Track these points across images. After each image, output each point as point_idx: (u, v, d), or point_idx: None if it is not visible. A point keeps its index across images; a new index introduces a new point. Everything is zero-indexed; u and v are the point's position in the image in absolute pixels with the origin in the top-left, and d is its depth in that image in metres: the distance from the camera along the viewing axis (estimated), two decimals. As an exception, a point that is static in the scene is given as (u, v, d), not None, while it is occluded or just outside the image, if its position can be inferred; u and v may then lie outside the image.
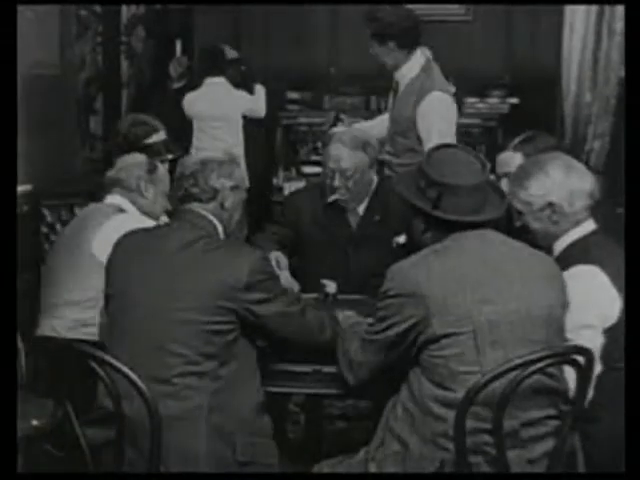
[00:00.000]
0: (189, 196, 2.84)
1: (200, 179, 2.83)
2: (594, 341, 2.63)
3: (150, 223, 3.35)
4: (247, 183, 6.53)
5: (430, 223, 2.65)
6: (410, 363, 2.56)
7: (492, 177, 3.26)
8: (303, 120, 7.36)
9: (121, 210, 3.47)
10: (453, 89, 5.10)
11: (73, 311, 3.33)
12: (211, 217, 2.83)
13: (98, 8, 6.55)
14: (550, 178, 2.84)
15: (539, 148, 3.33)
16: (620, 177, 3.08)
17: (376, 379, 2.68)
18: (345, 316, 3.02)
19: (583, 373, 2.46)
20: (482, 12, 7.27)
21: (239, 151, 6.47)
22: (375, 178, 3.84)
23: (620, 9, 5.50)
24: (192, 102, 6.48)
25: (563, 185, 2.83)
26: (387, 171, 4.44)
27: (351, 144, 3.70)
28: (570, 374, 2.53)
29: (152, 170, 3.57)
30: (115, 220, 3.38)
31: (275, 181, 7.15)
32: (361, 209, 3.84)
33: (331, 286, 3.57)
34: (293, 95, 7.47)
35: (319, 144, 7.19)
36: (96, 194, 3.66)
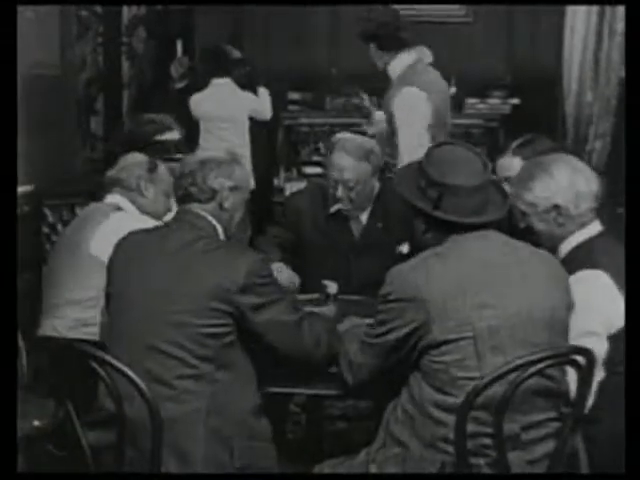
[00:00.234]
0: (188, 196, 2.82)
1: (198, 179, 2.81)
2: (598, 348, 2.60)
3: (150, 222, 3.33)
4: (252, 184, 6.60)
5: (430, 224, 2.63)
6: (410, 367, 2.54)
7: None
8: (304, 120, 7.34)
9: (120, 209, 3.48)
10: (452, 90, 5.13)
11: (74, 311, 3.34)
12: (210, 218, 2.81)
13: (99, 8, 6.55)
14: (555, 180, 2.82)
15: (537, 151, 3.32)
16: (621, 177, 3.07)
17: (376, 381, 2.68)
18: (351, 322, 3.01)
19: (583, 374, 2.45)
20: (483, 13, 7.27)
21: (245, 152, 6.47)
22: (377, 185, 3.81)
23: (621, 9, 5.50)
24: (198, 103, 6.47)
25: (569, 187, 2.82)
26: (388, 173, 4.43)
27: (355, 154, 3.67)
28: (571, 376, 2.53)
29: (152, 169, 3.56)
30: (113, 219, 3.39)
31: (276, 182, 7.14)
32: (364, 217, 3.82)
33: (332, 287, 3.56)
34: (294, 95, 7.46)
35: (320, 144, 7.18)
36: (97, 194, 3.66)
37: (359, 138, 3.84)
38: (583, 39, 5.89)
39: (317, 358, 2.79)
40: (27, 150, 4.60)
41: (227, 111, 6.41)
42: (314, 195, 3.91)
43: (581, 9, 5.88)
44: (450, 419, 2.41)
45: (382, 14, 4.61)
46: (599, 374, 2.65)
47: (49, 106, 5.33)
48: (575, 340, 2.58)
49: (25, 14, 4.73)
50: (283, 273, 3.57)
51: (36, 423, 2.99)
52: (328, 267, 3.71)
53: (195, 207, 2.82)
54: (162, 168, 3.61)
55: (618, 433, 2.47)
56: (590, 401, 2.61)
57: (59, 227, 4.53)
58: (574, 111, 6.00)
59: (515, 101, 7.18)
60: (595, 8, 5.79)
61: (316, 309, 3.13)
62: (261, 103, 6.61)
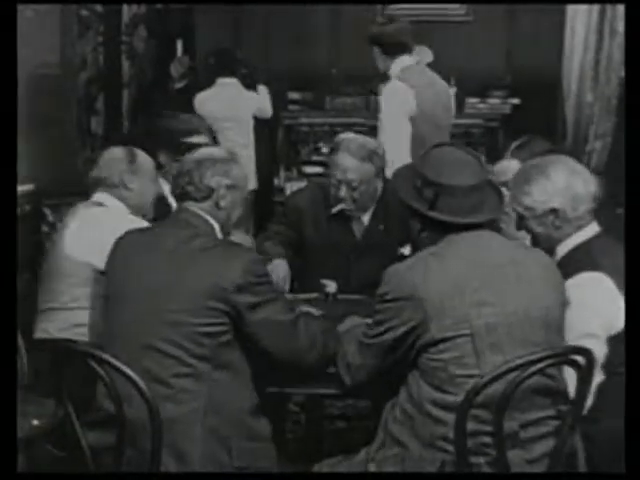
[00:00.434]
0: (185, 195, 2.82)
1: (195, 177, 2.81)
2: (597, 350, 2.60)
3: (125, 216, 3.38)
4: (255, 184, 6.60)
5: (426, 224, 2.64)
6: (409, 366, 2.55)
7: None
8: (304, 120, 7.35)
9: (100, 205, 3.46)
10: (453, 89, 5.18)
11: (64, 313, 3.33)
12: (207, 216, 2.81)
13: (99, 8, 6.55)
14: (553, 183, 2.82)
15: (534, 152, 3.32)
16: (621, 177, 3.07)
17: (374, 381, 2.68)
18: (352, 322, 3.00)
19: (583, 373, 2.45)
20: (483, 12, 7.27)
21: (249, 152, 6.47)
22: (380, 185, 3.81)
23: (621, 9, 5.50)
24: (203, 102, 6.45)
25: (566, 190, 2.81)
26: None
27: (359, 154, 3.67)
28: (570, 376, 2.53)
29: (132, 161, 3.51)
30: (84, 216, 3.39)
31: (276, 181, 7.15)
32: (366, 218, 3.82)
33: (331, 286, 3.57)
34: (294, 95, 7.47)
35: (320, 144, 7.19)
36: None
37: (362, 139, 3.85)
38: (583, 39, 5.90)
39: (311, 360, 2.77)
40: (27, 150, 4.61)
41: (233, 111, 6.41)
42: (315, 194, 3.91)
43: (582, 8, 5.88)
44: (449, 417, 2.41)
45: (394, 25, 4.75)
46: (598, 377, 2.66)
47: (49, 105, 5.33)
48: (575, 342, 2.58)
49: (25, 13, 4.73)
50: (280, 268, 3.58)
51: (35, 422, 2.99)
52: (329, 267, 3.72)
53: (192, 205, 2.81)
54: (141, 156, 3.56)
55: (617, 433, 2.48)
56: (589, 402, 2.61)
57: (59, 226, 4.53)
58: (574, 111, 6.01)
59: (515, 101, 7.19)
60: (596, 7, 5.80)
61: (304, 308, 3.13)
62: (263, 102, 6.62)
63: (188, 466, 2.57)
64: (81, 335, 3.26)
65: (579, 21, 5.92)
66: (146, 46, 7.28)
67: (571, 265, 2.77)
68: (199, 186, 2.81)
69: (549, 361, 2.41)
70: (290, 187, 6.60)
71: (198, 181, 2.81)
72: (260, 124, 6.68)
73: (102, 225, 3.29)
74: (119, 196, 3.48)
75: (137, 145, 3.64)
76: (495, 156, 6.70)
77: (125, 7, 6.99)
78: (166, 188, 3.73)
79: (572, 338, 2.61)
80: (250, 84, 6.62)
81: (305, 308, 3.14)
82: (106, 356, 2.49)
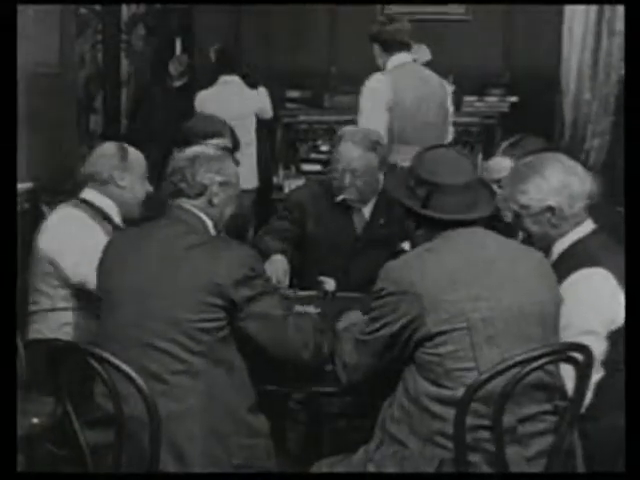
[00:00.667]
0: (178, 192, 2.83)
1: (188, 174, 2.82)
2: (596, 347, 2.60)
3: (81, 217, 3.35)
4: (257, 183, 6.59)
5: (420, 222, 2.66)
6: (405, 361, 2.55)
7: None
8: (303, 118, 7.34)
9: (86, 202, 3.42)
10: (451, 88, 5.28)
11: (57, 314, 3.33)
12: (200, 213, 2.82)
13: (98, 6, 6.56)
14: (548, 181, 2.83)
15: (528, 150, 3.32)
16: (619, 175, 3.08)
17: (370, 380, 2.68)
18: (349, 319, 3.01)
19: (581, 371, 2.46)
20: (482, 11, 7.27)
21: (252, 150, 6.46)
22: (382, 178, 3.82)
23: (620, 9, 5.51)
24: (205, 100, 6.41)
25: (562, 188, 2.82)
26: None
27: (362, 143, 3.71)
28: (568, 373, 2.53)
29: (124, 157, 3.47)
30: (55, 214, 3.40)
31: (275, 179, 7.15)
32: (367, 211, 3.84)
33: (330, 283, 3.57)
34: (293, 94, 7.46)
35: (319, 142, 7.19)
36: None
37: (365, 129, 3.89)
38: (582, 38, 5.91)
39: (306, 357, 2.77)
40: (27, 148, 4.61)
41: (235, 109, 6.37)
42: (315, 190, 3.93)
43: (579, 8, 5.89)
44: (446, 412, 2.42)
45: (394, 25, 4.96)
46: (597, 373, 2.66)
47: (48, 104, 5.33)
48: (574, 338, 2.58)
49: (25, 12, 4.73)
50: (279, 264, 3.58)
51: (35, 421, 2.99)
52: (329, 262, 3.73)
53: (184, 203, 2.82)
54: (133, 152, 3.53)
55: (617, 431, 2.48)
56: (588, 399, 2.62)
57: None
58: (572, 109, 6.02)
59: (513, 99, 7.18)
60: (594, 7, 5.80)
61: (300, 308, 3.13)
62: (264, 102, 6.61)
63: (186, 463, 2.58)
64: (68, 335, 3.27)
65: (577, 20, 5.93)
66: (145, 45, 7.28)
67: (569, 262, 2.78)
68: (192, 183, 2.82)
69: (549, 358, 2.42)
70: (289, 185, 6.60)
71: (191, 178, 2.82)
72: (260, 122, 6.68)
73: (70, 228, 3.32)
74: (108, 193, 3.45)
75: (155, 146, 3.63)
76: (493, 154, 6.73)
77: (124, 6, 6.99)
78: None
79: (572, 335, 2.62)
80: (251, 83, 6.61)
81: (301, 308, 3.15)
82: (106, 354, 2.48)
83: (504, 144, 3.53)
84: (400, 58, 4.88)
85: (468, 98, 7.19)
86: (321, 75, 7.39)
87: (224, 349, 2.67)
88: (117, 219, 3.43)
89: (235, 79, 6.48)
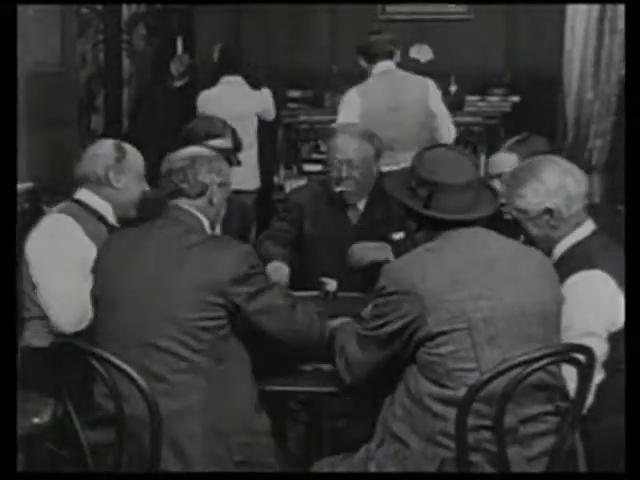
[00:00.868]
0: (178, 192, 2.83)
1: (189, 174, 2.84)
2: (597, 349, 2.60)
3: (75, 230, 3.22)
4: (259, 183, 6.58)
5: (422, 222, 2.66)
6: (407, 361, 2.55)
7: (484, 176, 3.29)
8: (304, 118, 7.34)
9: (79, 203, 3.33)
10: (452, 88, 5.40)
11: (43, 322, 3.22)
12: (198, 213, 2.83)
13: (99, 6, 6.56)
14: (545, 184, 2.84)
15: (532, 150, 3.32)
16: (621, 175, 3.08)
17: (373, 378, 2.68)
18: (342, 321, 3.02)
19: (583, 372, 2.45)
20: (484, 10, 7.27)
21: (253, 151, 6.46)
22: (376, 171, 3.85)
23: (621, 8, 5.50)
24: (207, 100, 6.40)
25: (559, 190, 2.83)
26: None
27: (358, 135, 3.75)
28: (570, 374, 2.53)
29: (121, 157, 3.34)
30: (44, 222, 3.29)
31: (276, 179, 7.14)
32: (361, 205, 3.85)
33: (331, 284, 3.57)
34: (294, 93, 7.46)
35: (320, 142, 7.18)
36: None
37: (358, 123, 3.88)
38: (584, 37, 5.89)
39: (314, 337, 2.85)
40: (27, 147, 4.61)
41: (238, 109, 6.36)
42: (315, 191, 3.93)
43: (582, 7, 5.88)
44: (448, 412, 2.42)
45: (374, 38, 5.33)
46: (598, 375, 2.66)
47: (49, 103, 5.33)
48: (575, 340, 2.58)
49: (26, 12, 4.73)
50: (278, 272, 3.58)
51: (36, 421, 2.99)
52: (326, 260, 3.73)
53: (183, 203, 2.83)
54: (130, 151, 3.40)
55: (618, 432, 2.48)
56: (590, 400, 2.62)
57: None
58: (574, 109, 6.01)
59: (515, 99, 7.18)
60: (596, 6, 5.79)
61: None
62: (267, 103, 6.60)
63: (187, 462, 2.58)
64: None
65: (579, 19, 5.92)
66: (146, 44, 7.29)
67: (570, 263, 2.78)
68: (193, 183, 2.84)
69: (551, 359, 2.42)
70: (290, 185, 6.59)
71: (192, 178, 2.84)
72: (261, 123, 6.67)
73: (54, 237, 3.22)
74: (104, 194, 3.34)
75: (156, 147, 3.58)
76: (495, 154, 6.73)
77: (125, 5, 7.00)
78: None
79: (573, 336, 2.62)
80: (254, 84, 6.61)
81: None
82: (107, 354, 2.49)
83: (510, 141, 3.53)
84: (381, 67, 5.24)
85: (470, 98, 7.18)
86: (322, 75, 7.39)
87: (225, 347, 2.68)
88: (112, 220, 3.34)
89: (238, 79, 6.48)
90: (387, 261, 3.52)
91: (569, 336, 2.62)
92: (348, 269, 3.67)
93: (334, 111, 7.08)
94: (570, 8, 5.99)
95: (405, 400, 2.53)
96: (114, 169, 3.32)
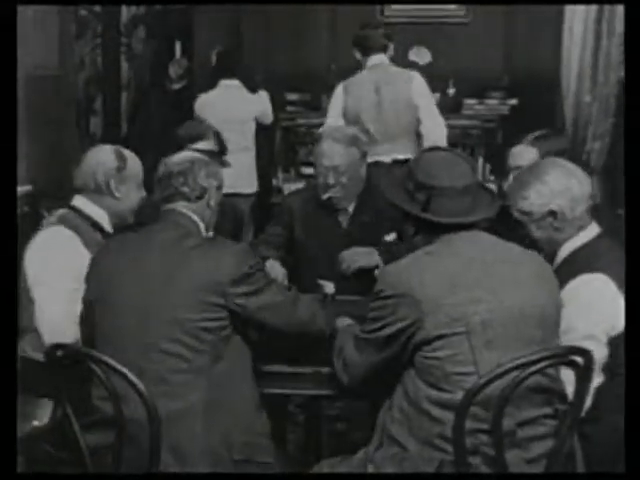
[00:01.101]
0: (178, 195, 2.85)
1: (190, 178, 2.86)
2: (597, 352, 2.59)
3: (77, 246, 3.13)
4: (257, 187, 6.58)
5: (420, 226, 2.66)
6: (405, 365, 2.55)
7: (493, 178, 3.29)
8: (302, 121, 7.34)
9: (75, 210, 3.26)
10: (451, 90, 5.49)
11: (37, 334, 3.15)
12: (195, 216, 2.85)
13: (98, 8, 6.56)
14: (549, 186, 2.84)
15: (553, 149, 3.34)
16: (620, 178, 3.08)
17: (370, 380, 2.68)
18: (343, 321, 3.02)
19: (582, 374, 2.45)
20: (481, 13, 7.27)
21: (251, 154, 6.46)
22: (364, 172, 3.83)
23: (620, 9, 5.50)
24: (205, 103, 6.40)
25: (563, 192, 2.83)
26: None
27: (343, 140, 3.72)
28: (569, 377, 2.52)
29: (122, 167, 3.25)
30: (44, 233, 3.21)
31: (274, 182, 7.15)
32: (351, 208, 3.85)
33: (329, 287, 3.57)
34: (292, 96, 7.46)
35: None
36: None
37: (343, 126, 3.89)
38: (581, 39, 5.89)
39: (316, 329, 2.92)
40: (27, 150, 4.61)
41: (235, 113, 6.37)
42: (310, 195, 3.92)
43: (579, 9, 5.88)
44: (446, 415, 2.42)
45: (368, 31, 5.59)
46: (597, 379, 2.66)
47: (48, 106, 5.34)
48: (575, 343, 2.57)
49: (25, 14, 4.73)
50: (275, 269, 3.59)
51: (35, 423, 2.99)
52: (319, 263, 3.73)
53: (180, 206, 2.85)
54: (131, 159, 3.31)
55: (617, 434, 2.48)
56: (589, 402, 2.62)
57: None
58: (573, 112, 6.01)
59: (513, 102, 7.18)
60: (594, 8, 5.80)
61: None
62: (265, 107, 6.59)
63: (187, 461, 2.59)
64: None
65: (577, 21, 5.92)
66: (145, 47, 7.29)
67: (573, 266, 2.78)
68: (194, 186, 2.86)
69: (549, 361, 2.41)
70: (288, 188, 6.59)
71: (192, 181, 2.86)
72: (260, 126, 6.67)
73: (54, 249, 3.14)
74: (102, 204, 3.25)
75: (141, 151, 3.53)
76: (494, 157, 6.74)
77: (124, 8, 7.00)
78: None
79: (573, 339, 2.62)
80: (252, 87, 6.61)
81: None
82: (104, 357, 2.49)
83: (532, 135, 3.55)
84: (373, 60, 5.47)
85: (468, 101, 7.19)
86: (321, 76, 7.38)
87: (227, 347, 2.70)
88: (108, 227, 3.27)
89: (235, 83, 6.47)
90: (377, 267, 3.56)
91: (569, 339, 2.63)
92: (339, 274, 3.68)
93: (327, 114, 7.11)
94: (568, 9, 5.99)
95: (403, 403, 2.53)
96: (115, 178, 3.23)
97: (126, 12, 7.04)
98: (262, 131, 6.69)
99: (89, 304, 2.81)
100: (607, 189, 5.79)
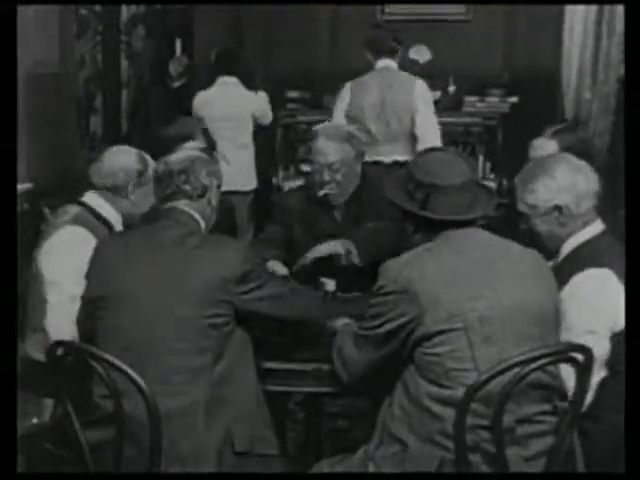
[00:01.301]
0: (180, 193, 2.86)
1: (191, 176, 2.87)
2: (599, 347, 2.61)
3: (82, 238, 3.14)
4: (256, 184, 6.59)
5: (419, 224, 2.68)
6: (405, 361, 2.56)
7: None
8: (302, 119, 7.33)
9: (85, 206, 3.29)
10: (451, 89, 5.52)
11: (42, 335, 3.17)
12: (196, 214, 2.87)
13: (98, 7, 6.56)
14: (556, 181, 2.84)
15: (573, 142, 3.36)
16: (620, 176, 3.08)
17: (370, 377, 2.69)
18: (342, 321, 3.03)
19: (582, 371, 2.46)
20: (482, 11, 7.26)
21: (250, 152, 6.46)
22: (359, 170, 3.84)
23: (620, 8, 5.51)
24: (203, 101, 6.40)
25: (569, 187, 2.83)
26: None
27: (337, 137, 3.74)
28: (569, 373, 2.53)
29: (143, 171, 3.31)
30: (59, 234, 3.21)
31: (274, 180, 7.14)
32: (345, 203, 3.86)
33: (330, 284, 3.57)
34: (292, 94, 7.46)
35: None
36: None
37: (337, 124, 3.90)
38: (582, 37, 5.90)
39: (314, 315, 3.00)
40: (27, 148, 4.61)
41: (233, 110, 6.36)
42: (303, 193, 3.94)
43: (580, 8, 5.89)
44: (446, 412, 2.43)
45: (391, 37, 5.68)
46: (599, 374, 2.66)
47: (48, 105, 5.34)
48: (577, 338, 2.59)
49: (25, 13, 4.73)
50: (277, 269, 3.60)
51: (35, 421, 2.99)
52: (318, 260, 3.73)
53: (182, 204, 2.86)
54: (151, 164, 3.32)
55: (618, 432, 2.48)
56: (590, 399, 2.62)
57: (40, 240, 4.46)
58: (573, 109, 6.01)
59: (514, 99, 7.17)
60: (594, 7, 5.80)
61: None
62: (264, 106, 6.59)
63: (190, 456, 2.59)
64: None
65: (577, 20, 5.93)
66: (145, 45, 7.28)
67: (577, 262, 2.78)
68: (195, 184, 2.88)
69: (549, 358, 2.42)
70: (288, 186, 6.59)
71: (194, 179, 2.87)
72: (259, 126, 6.67)
73: (71, 250, 3.13)
74: (117, 205, 3.31)
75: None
76: (494, 154, 6.74)
77: (124, 7, 6.99)
78: None
79: (575, 334, 2.62)
80: (252, 87, 6.60)
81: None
82: (105, 355, 2.49)
83: (553, 127, 3.56)
84: (382, 63, 5.60)
85: (469, 98, 7.18)
86: (321, 75, 7.38)
87: (230, 342, 2.71)
88: (118, 227, 3.32)
89: (233, 80, 6.47)
90: (349, 252, 3.58)
91: (571, 334, 2.63)
92: (340, 270, 3.68)
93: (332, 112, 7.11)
94: (568, 9, 6.00)
95: (403, 400, 2.54)
96: (134, 181, 3.30)
97: (126, 11, 7.03)
98: (262, 129, 6.70)
99: (89, 301, 2.82)
100: (607, 186, 5.79)
